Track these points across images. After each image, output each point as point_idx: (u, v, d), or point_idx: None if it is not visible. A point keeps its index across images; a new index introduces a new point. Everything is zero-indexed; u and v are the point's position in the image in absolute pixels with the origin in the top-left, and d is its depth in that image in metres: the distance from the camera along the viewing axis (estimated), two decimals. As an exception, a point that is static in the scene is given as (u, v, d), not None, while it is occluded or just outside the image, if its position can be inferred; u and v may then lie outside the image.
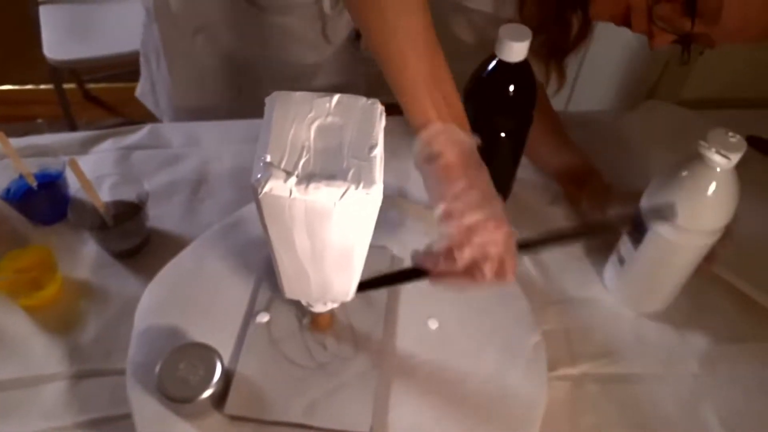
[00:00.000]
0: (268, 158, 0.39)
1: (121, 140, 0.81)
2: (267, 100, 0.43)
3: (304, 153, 0.40)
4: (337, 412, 0.52)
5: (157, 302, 0.58)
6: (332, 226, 0.41)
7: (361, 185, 0.39)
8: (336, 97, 0.43)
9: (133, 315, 0.58)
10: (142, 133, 0.82)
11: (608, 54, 1.34)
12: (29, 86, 2.01)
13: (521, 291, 0.62)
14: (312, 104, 0.43)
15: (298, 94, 0.43)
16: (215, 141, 0.82)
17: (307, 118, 0.42)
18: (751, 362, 0.62)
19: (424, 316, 0.59)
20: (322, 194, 0.39)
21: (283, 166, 0.39)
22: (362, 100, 0.44)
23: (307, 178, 0.39)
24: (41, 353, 0.59)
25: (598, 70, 1.40)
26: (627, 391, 0.60)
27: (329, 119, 0.42)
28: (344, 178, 0.39)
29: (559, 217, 0.75)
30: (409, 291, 0.60)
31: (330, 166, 0.40)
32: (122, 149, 0.80)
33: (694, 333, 0.64)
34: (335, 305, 0.54)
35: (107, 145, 0.81)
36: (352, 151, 0.41)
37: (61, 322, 0.62)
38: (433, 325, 0.58)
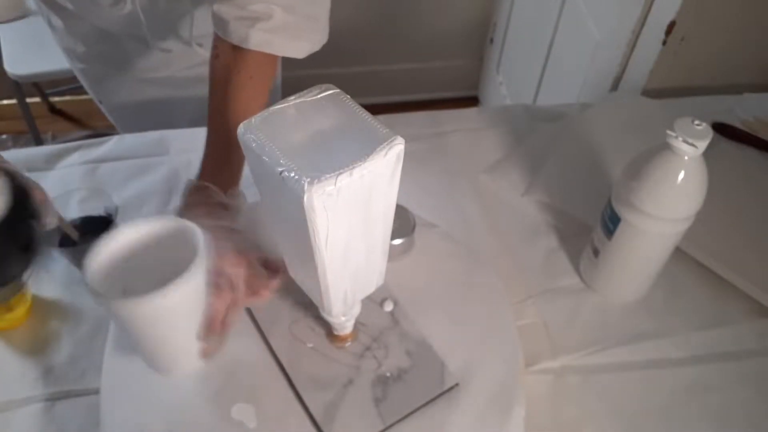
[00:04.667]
0: (297, 169, 0.38)
1: (88, 153, 0.80)
2: (241, 136, 0.42)
3: (318, 152, 0.40)
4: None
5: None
6: (386, 191, 0.42)
7: (389, 140, 0.39)
8: (294, 102, 0.42)
9: (106, 332, 0.56)
10: (109, 144, 0.81)
11: (572, 48, 1.36)
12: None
13: (502, 287, 0.62)
14: (285, 115, 0.42)
15: (264, 114, 0.42)
16: (183, 148, 0.80)
17: (291, 128, 0.41)
18: (728, 346, 0.63)
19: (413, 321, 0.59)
20: (370, 166, 0.38)
21: (314, 171, 0.38)
22: (315, 91, 0.43)
23: (343, 166, 0.38)
24: (14, 376, 0.57)
25: (563, 65, 1.42)
26: (608, 381, 0.60)
27: (308, 117, 0.42)
28: (373, 147, 0.39)
29: (532, 209, 0.76)
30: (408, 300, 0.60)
31: (350, 150, 0.39)
32: (89, 163, 0.78)
33: (672, 320, 0.65)
34: (356, 314, 0.54)
35: (74, 159, 0.79)
36: (350, 130, 0.41)
37: (32, 344, 0.60)
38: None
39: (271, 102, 0.44)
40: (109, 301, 0.45)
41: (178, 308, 0.48)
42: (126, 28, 0.82)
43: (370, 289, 0.51)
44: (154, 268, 0.48)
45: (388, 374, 0.55)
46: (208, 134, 0.62)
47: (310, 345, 0.56)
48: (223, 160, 0.60)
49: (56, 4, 0.81)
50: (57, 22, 0.85)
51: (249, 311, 0.59)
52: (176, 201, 0.73)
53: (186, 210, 0.57)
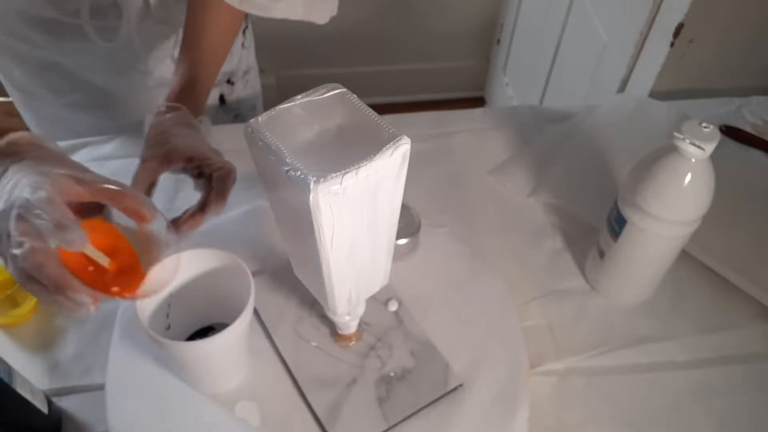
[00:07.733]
0: (303, 168, 0.38)
1: (95, 150, 0.80)
2: (247, 135, 0.42)
3: (324, 151, 0.40)
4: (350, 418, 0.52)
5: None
6: (391, 191, 0.42)
7: (395, 140, 0.39)
8: (301, 101, 0.42)
9: (111, 329, 0.57)
10: (116, 142, 0.81)
11: (579, 50, 1.35)
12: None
13: (506, 288, 0.62)
14: (291, 114, 0.42)
15: (271, 113, 0.42)
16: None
17: (297, 127, 0.41)
18: (734, 349, 0.63)
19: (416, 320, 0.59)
20: (376, 166, 0.38)
21: (320, 170, 0.38)
22: (322, 91, 0.43)
23: (349, 166, 0.38)
24: (19, 372, 0.58)
25: (570, 67, 1.42)
26: (613, 384, 0.60)
27: (314, 116, 0.42)
28: (379, 147, 0.39)
29: (537, 210, 0.75)
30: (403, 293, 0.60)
31: (356, 149, 0.39)
32: (97, 160, 0.78)
33: (678, 323, 0.65)
34: (361, 314, 0.54)
35: (82, 155, 0.79)
36: (356, 129, 0.41)
37: (38, 340, 0.60)
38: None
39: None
40: (160, 343, 0.46)
41: (226, 347, 0.50)
42: (118, 67, 0.80)
43: (375, 288, 0.51)
44: (195, 291, 0.50)
45: (392, 374, 0.55)
46: (179, 65, 0.65)
47: (315, 344, 0.57)
48: (191, 90, 0.63)
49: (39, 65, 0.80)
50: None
51: (255, 310, 0.59)
52: (182, 199, 0.74)
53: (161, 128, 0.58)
